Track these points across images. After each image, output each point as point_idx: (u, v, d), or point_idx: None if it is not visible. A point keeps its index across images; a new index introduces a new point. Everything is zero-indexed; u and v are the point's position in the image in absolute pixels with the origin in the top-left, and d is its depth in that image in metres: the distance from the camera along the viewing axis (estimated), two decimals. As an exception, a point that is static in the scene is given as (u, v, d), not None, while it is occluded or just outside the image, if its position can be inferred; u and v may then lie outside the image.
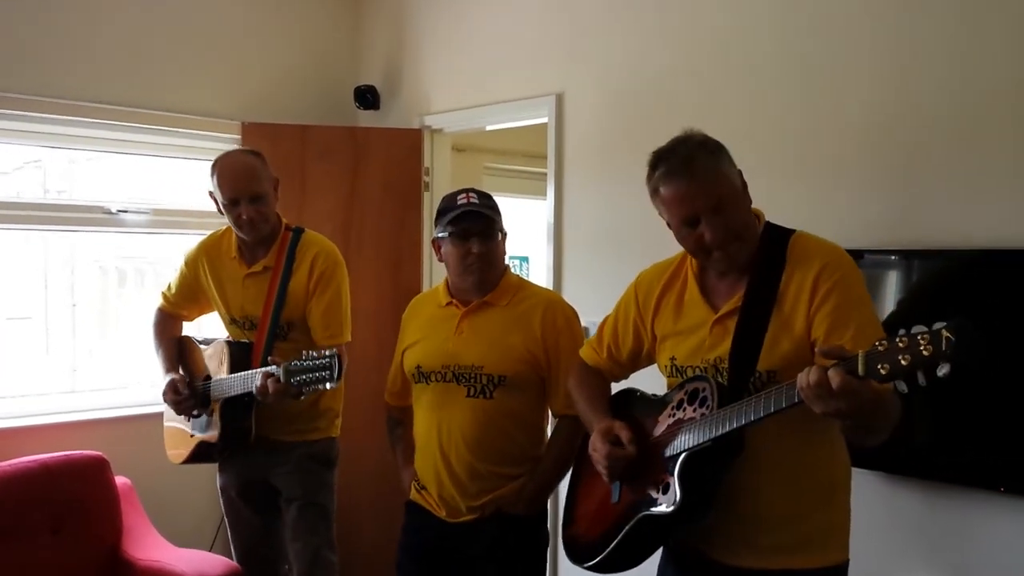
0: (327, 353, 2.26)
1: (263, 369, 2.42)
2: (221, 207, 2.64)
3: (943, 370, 1.24)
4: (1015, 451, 2.16)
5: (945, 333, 1.23)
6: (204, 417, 2.71)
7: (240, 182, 2.58)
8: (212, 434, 2.67)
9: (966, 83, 2.31)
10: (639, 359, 1.96)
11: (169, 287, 2.89)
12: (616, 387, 2.03)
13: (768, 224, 1.75)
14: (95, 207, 3.61)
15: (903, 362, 1.27)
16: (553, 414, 2.32)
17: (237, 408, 2.61)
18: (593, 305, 3.16)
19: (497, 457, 2.22)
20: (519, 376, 2.21)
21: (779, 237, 1.72)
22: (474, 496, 2.21)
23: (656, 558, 1.90)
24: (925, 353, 1.24)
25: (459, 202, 2.24)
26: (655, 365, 1.92)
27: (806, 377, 1.39)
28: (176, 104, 3.64)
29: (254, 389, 2.43)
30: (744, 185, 1.73)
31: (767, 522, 1.67)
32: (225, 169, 2.62)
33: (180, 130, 3.68)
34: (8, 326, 3.60)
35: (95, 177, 3.83)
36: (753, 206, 1.77)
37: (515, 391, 2.21)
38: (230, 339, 2.73)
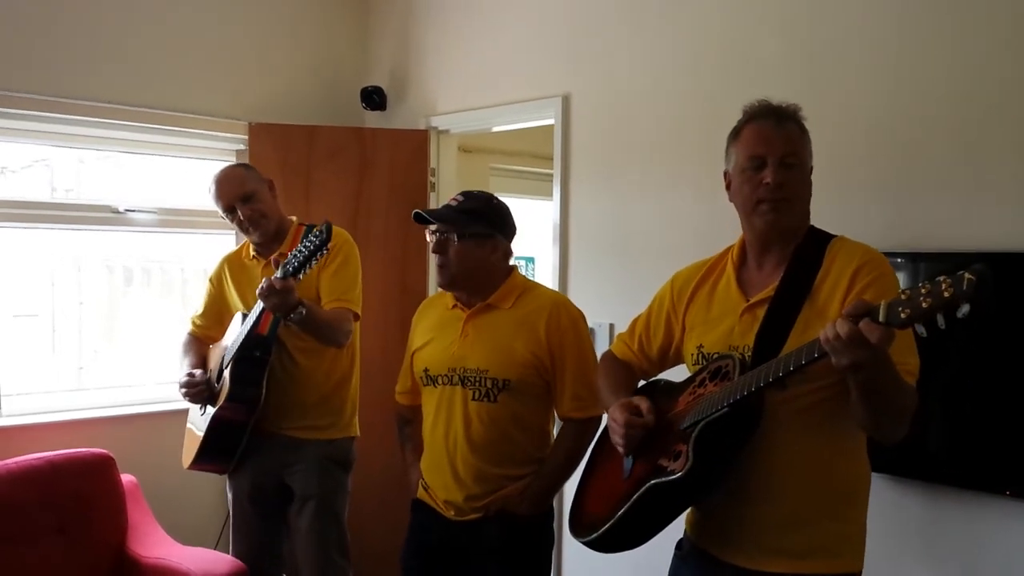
0: (318, 228, 2.33)
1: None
2: (228, 220, 2.78)
3: (963, 310, 1.25)
4: (1021, 455, 2.16)
5: (967, 275, 1.25)
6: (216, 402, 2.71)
7: (227, 189, 2.75)
8: (221, 400, 2.67)
9: (970, 85, 2.32)
10: (668, 354, 1.96)
11: (197, 312, 2.99)
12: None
13: (812, 227, 1.78)
14: (103, 206, 3.63)
15: (924, 305, 1.29)
16: (559, 416, 2.32)
17: (247, 366, 2.64)
18: (599, 306, 3.18)
19: (502, 460, 2.22)
20: (523, 380, 2.20)
21: (820, 238, 1.75)
22: (479, 497, 2.21)
23: (668, 558, 1.91)
24: (946, 295, 1.26)
25: (446, 203, 2.27)
26: (683, 366, 1.92)
27: (832, 327, 1.40)
28: (184, 104, 3.65)
29: (258, 296, 2.45)
30: (810, 177, 1.77)
31: (782, 524, 1.66)
32: (214, 184, 2.80)
33: (188, 130, 3.69)
34: (15, 324, 3.61)
35: (103, 176, 3.84)
36: None
37: (519, 395, 2.21)
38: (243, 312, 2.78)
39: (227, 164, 2.86)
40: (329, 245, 2.67)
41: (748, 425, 1.62)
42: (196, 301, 3.06)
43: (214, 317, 2.93)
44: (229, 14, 3.81)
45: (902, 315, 1.32)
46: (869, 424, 1.58)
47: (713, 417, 1.60)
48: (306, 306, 2.49)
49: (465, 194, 2.29)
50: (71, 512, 2.99)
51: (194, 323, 2.98)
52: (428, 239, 2.29)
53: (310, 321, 2.52)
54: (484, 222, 2.25)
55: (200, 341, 2.96)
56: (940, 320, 1.28)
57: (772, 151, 1.71)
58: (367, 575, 3.28)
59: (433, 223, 2.23)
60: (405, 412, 2.49)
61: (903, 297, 1.33)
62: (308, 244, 2.34)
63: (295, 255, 2.37)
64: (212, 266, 2.99)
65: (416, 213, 2.25)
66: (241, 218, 2.73)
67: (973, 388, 2.25)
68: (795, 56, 2.69)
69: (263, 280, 2.44)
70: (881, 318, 1.35)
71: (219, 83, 3.78)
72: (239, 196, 2.72)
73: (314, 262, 2.34)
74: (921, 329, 1.32)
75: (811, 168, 1.76)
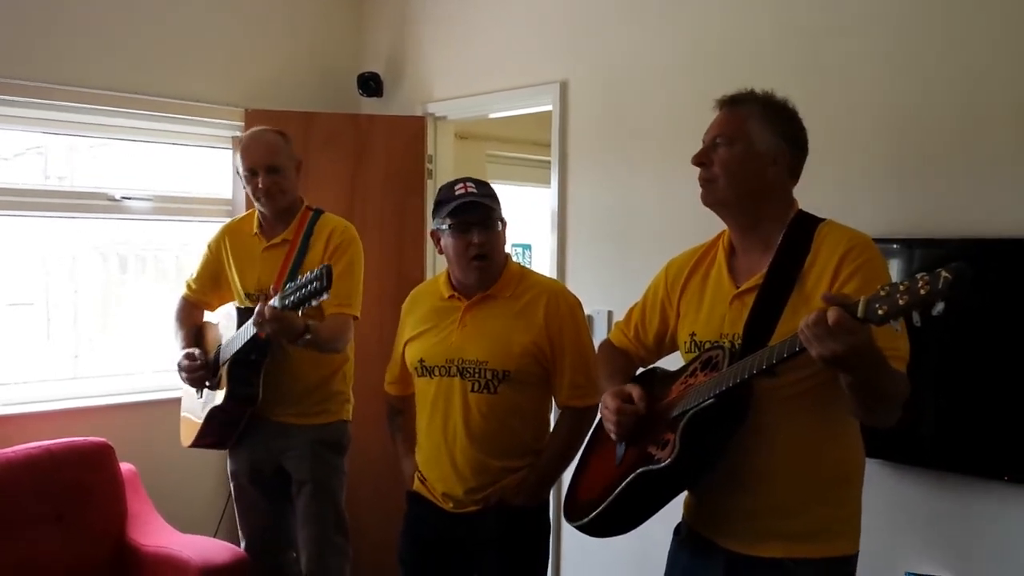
0: (317, 270, 2.27)
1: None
2: (243, 179, 2.75)
3: (938, 308, 1.27)
4: (1019, 440, 2.17)
5: (944, 274, 1.27)
6: (215, 390, 2.73)
7: (259, 153, 2.71)
8: (219, 399, 2.68)
9: (966, 72, 2.32)
10: (664, 341, 1.97)
11: (192, 276, 2.96)
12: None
13: (800, 211, 1.78)
14: (98, 194, 3.61)
15: (900, 302, 1.31)
16: (557, 405, 2.32)
17: (243, 368, 2.65)
18: (597, 293, 3.18)
19: (501, 451, 2.22)
20: (523, 371, 2.20)
21: (808, 223, 1.74)
22: (478, 490, 2.21)
23: (666, 543, 1.92)
24: (923, 292, 1.28)
25: (457, 192, 2.21)
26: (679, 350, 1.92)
27: (805, 319, 1.41)
28: (179, 91, 3.63)
29: (253, 325, 2.44)
30: (774, 160, 1.73)
31: (775, 510, 1.68)
32: (247, 142, 2.76)
33: (183, 117, 3.67)
34: (9, 312, 3.60)
35: (97, 163, 3.82)
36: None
37: (519, 385, 2.20)
38: (239, 306, 2.76)
39: (263, 127, 2.84)
40: (336, 242, 2.71)
41: (735, 415, 1.63)
42: (192, 265, 3.03)
43: (209, 283, 2.92)
44: (225, 0, 3.78)
45: (879, 311, 1.33)
46: (861, 412, 1.59)
47: (700, 407, 1.61)
48: (312, 330, 2.47)
49: (473, 182, 2.25)
50: (70, 501, 2.99)
51: (189, 287, 2.96)
52: (436, 239, 2.26)
53: (316, 341, 2.52)
54: (500, 205, 2.27)
55: (194, 306, 2.95)
56: (916, 318, 1.30)
57: (706, 137, 1.79)
58: (363, 562, 3.29)
59: (478, 213, 2.18)
60: (395, 402, 2.48)
61: (882, 293, 1.34)
62: (308, 288, 2.27)
63: (295, 290, 2.31)
64: (212, 233, 2.97)
65: (466, 202, 2.17)
66: (260, 185, 2.69)
67: (970, 373, 2.26)
68: (793, 42, 2.68)
69: (258, 306, 2.41)
70: (859, 314, 1.36)
71: (215, 69, 3.75)
72: (267, 164, 2.70)
73: (313, 303, 2.29)
74: (897, 325, 1.35)
75: (764, 147, 1.73)
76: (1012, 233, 2.20)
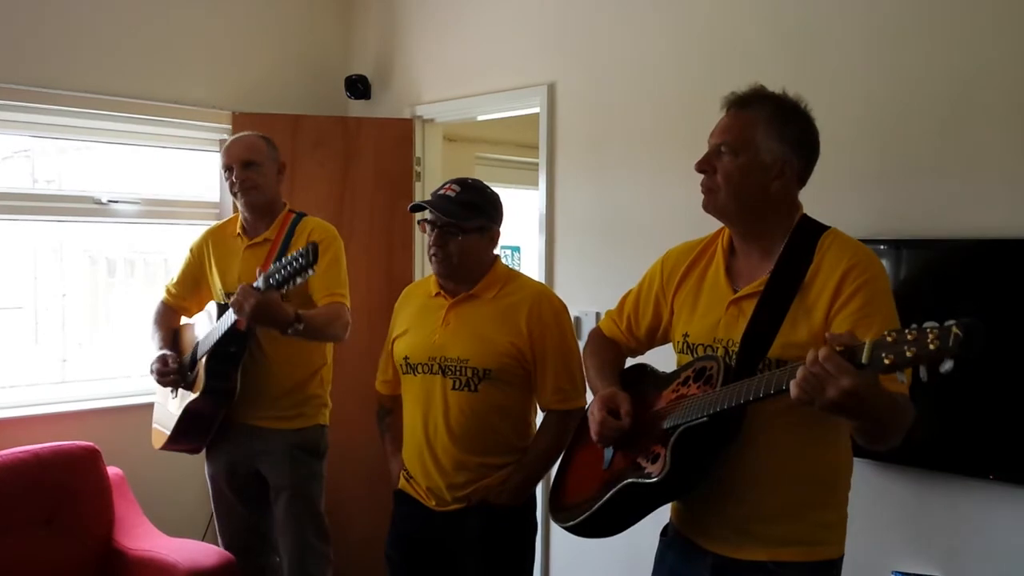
0: (302, 248, 2.27)
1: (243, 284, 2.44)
2: (225, 179, 2.81)
3: (946, 366, 1.23)
4: (1005, 439, 2.18)
5: (955, 330, 1.21)
6: (189, 390, 2.72)
7: (234, 149, 2.78)
8: (195, 394, 2.67)
9: (955, 72, 2.33)
10: (656, 335, 1.95)
11: (172, 280, 2.97)
12: (629, 363, 2.01)
13: (805, 216, 1.74)
14: (86, 197, 3.60)
15: (908, 354, 1.25)
16: (540, 408, 2.31)
17: (221, 362, 2.64)
18: (585, 295, 3.18)
19: (483, 448, 2.22)
20: (504, 370, 2.20)
21: (812, 230, 1.71)
22: (460, 486, 2.22)
23: (654, 542, 1.92)
24: (931, 347, 1.23)
25: (438, 192, 2.24)
26: (671, 344, 1.90)
27: (805, 369, 1.37)
28: (166, 94, 3.63)
29: (232, 307, 2.44)
30: (780, 172, 1.68)
31: (761, 515, 1.67)
32: (228, 142, 2.86)
33: (171, 120, 3.67)
34: (-2, 317, 3.59)
35: (85, 167, 3.81)
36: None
37: (500, 384, 2.21)
38: (218, 302, 2.76)
39: (249, 132, 2.89)
40: (317, 240, 2.69)
41: (726, 433, 1.62)
42: (160, 266, 3.05)
43: (190, 287, 2.92)
44: (212, 2, 3.77)
45: (885, 361, 1.28)
46: (866, 443, 1.56)
47: (692, 424, 1.59)
48: (303, 319, 2.48)
49: (461, 183, 2.25)
50: (57, 505, 2.98)
51: (168, 291, 2.97)
52: (423, 230, 2.27)
53: (309, 330, 2.52)
54: (484, 215, 2.25)
55: (172, 311, 2.96)
56: (922, 372, 1.26)
57: (711, 141, 1.73)
58: (350, 562, 3.29)
59: (433, 215, 2.21)
60: (385, 401, 2.48)
61: (888, 340, 1.29)
62: (294, 264, 2.27)
63: (280, 268, 2.31)
64: (194, 237, 2.98)
65: (415, 205, 2.25)
66: (234, 179, 2.74)
67: (958, 374, 2.25)
68: (780, 43, 2.69)
69: (238, 288, 2.41)
70: (864, 359, 1.32)
71: (202, 72, 3.75)
72: (241, 159, 2.74)
73: (298, 280, 2.28)
74: (902, 377, 1.30)
75: (771, 158, 1.67)
76: (999, 233, 2.21)
